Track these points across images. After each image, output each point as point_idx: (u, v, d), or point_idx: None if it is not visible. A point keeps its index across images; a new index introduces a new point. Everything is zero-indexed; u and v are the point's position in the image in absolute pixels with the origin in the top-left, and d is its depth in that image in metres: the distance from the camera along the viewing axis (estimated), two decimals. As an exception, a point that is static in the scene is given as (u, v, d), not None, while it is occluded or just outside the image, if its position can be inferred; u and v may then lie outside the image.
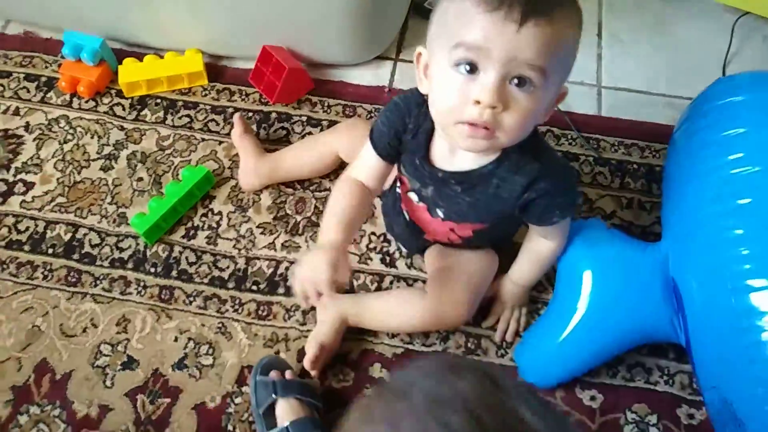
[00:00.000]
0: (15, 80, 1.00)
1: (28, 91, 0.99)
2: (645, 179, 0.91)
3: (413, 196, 0.72)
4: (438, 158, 0.65)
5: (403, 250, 0.85)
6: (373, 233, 0.87)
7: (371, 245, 0.86)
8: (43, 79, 1.01)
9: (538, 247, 0.74)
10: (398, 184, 0.76)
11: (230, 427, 0.75)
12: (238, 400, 0.76)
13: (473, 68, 0.53)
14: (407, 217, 0.78)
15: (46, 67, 1.02)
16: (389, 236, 0.86)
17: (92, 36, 0.96)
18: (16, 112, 0.98)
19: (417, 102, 0.65)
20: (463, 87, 0.54)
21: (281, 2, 0.90)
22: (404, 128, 0.66)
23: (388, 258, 0.85)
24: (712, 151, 0.67)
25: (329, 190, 0.88)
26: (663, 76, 1.03)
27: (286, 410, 0.71)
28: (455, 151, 0.64)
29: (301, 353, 0.78)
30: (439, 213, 0.71)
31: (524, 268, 0.77)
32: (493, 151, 0.62)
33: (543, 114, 0.58)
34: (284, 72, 0.93)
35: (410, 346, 0.79)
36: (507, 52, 0.51)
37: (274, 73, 0.94)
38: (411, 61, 0.99)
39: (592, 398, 0.77)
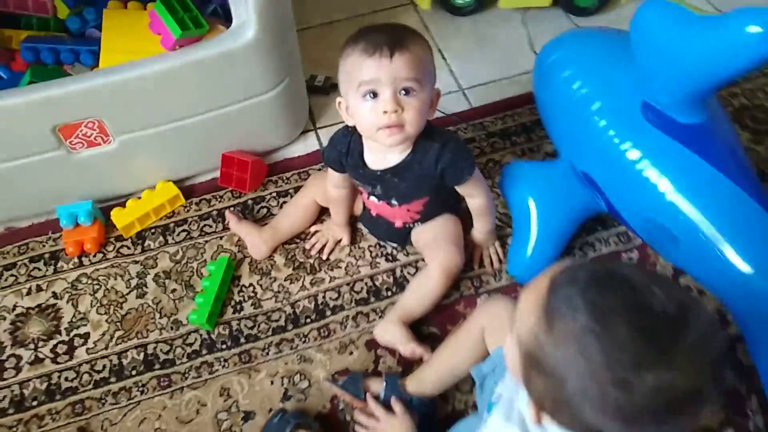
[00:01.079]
0: (22, 266, 1.14)
1: (39, 269, 1.14)
2: (524, 133, 1.28)
3: (373, 198, 1.01)
4: (372, 164, 0.95)
5: (394, 245, 1.12)
6: (370, 245, 1.13)
7: (373, 253, 1.12)
8: (47, 255, 1.15)
9: (474, 203, 1.03)
10: (363, 202, 1.05)
11: (346, 418, 0.95)
12: (341, 403, 0.96)
13: (374, 94, 0.84)
14: (379, 218, 1.06)
15: (44, 245, 1.17)
16: (380, 242, 1.13)
17: (80, 202, 1.14)
18: (39, 289, 1.11)
19: (343, 134, 0.96)
20: (374, 107, 0.84)
21: (226, 123, 1.14)
22: (340, 154, 0.96)
23: (390, 256, 1.12)
24: (562, 87, 1.04)
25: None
26: (497, 66, 1.42)
27: None
28: (383, 155, 0.93)
29: (369, 344, 1.01)
30: (394, 202, 1.00)
31: (478, 221, 1.08)
32: (407, 144, 0.91)
33: (428, 110, 0.88)
34: (248, 165, 1.18)
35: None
36: (390, 76, 0.82)
37: (239, 170, 1.19)
38: (326, 127, 1.30)
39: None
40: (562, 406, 0.53)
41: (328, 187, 1.06)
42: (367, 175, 0.96)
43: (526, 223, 1.05)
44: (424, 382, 0.92)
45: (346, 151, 0.95)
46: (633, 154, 0.95)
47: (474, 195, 1.00)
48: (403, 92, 0.83)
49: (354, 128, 0.92)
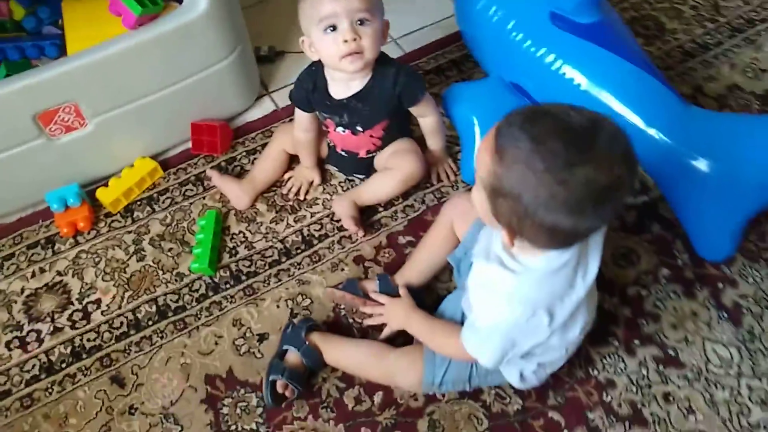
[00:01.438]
0: (21, 254, 1.21)
1: (38, 254, 1.21)
2: (455, 67, 1.44)
3: (339, 129, 1.15)
4: (337, 94, 1.09)
5: (361, 176, 1.26)
6: (340, 181, 1.27)
7: (345, 187, 1.26)
8: (42, 240, 1.23)
9: (426, 124, 1.18)
10: (329, 141, 1.19)
11: (349, 320, 1.08)
12: (342, 310, 1.10)
13: (334, 27, 0.98)
14: (344, 153, 1.20)
15: (37, 233, 1.24)
16: (348, 177, 1.27)
17: (67, 185, 1.22)
18: (42, 270, 1.19)
19: (308, 72, 1.11)
20: (334, 38, 0.99)
21: (190, 93, 1.25)
22: (307, 92, 1.11)
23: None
24: (481, 16, 1.21)
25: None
26: (423, 15, 1.58)
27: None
28: (347, 84, 1.08)
29: (357, 260, 1.15)
30: (359, 128, 1.14)
31: (431, 140, 1.23)
32: (367, 70, 1.06)
33: (381, 38, 1.03)
34: (217, 129, 1.29)
35: (405, 203, 1.20)
36: (345, 9, 0.97)
37: (209, 135, 1.29)
38: (277, 90, 1.42)
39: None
40: (525, 218, 0.68)
41: (296, 132, 1.19)
42: (334, 105, 1.10)
43: (471, 134, 1.20)
44: (410, 276, 1.07)
45: (312, 88, 1.09)
46: (549, 57, 1.13)
47: (426, 114, 1.15)
48: (359, 23, 0.98)
49: (317, 66, 1.05)
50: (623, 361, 1.01)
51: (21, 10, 1.27)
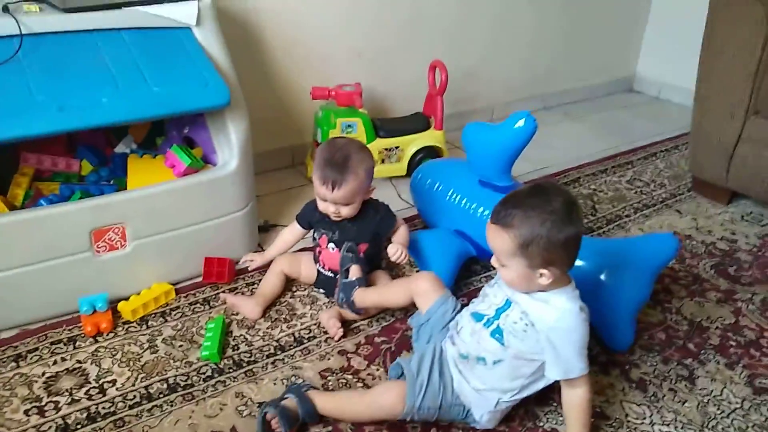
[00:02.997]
0: (44, 348, 1.38)
1: (60, 348, 1.38)
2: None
3: (330, 246, 1.52)
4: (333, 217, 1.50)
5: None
6: (328, 302, 1.56)
7: (330, 305, 1.55)
8: (65, 339, 1.41)
9: (398, 233, 1.56)
10: (320, 263, 1.55)
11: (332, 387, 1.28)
12: (331, 385, 1.30)
13: (325, 199, 1.44)
14: (330, 274, 1.54)
15: (60, 333, 1.42)
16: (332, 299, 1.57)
17: (97, 294, 1.45)
18: (64, 359, 1.35)
19: (311, 208, 1.52)
20: (326, 205, 1.45)
21: (209, 233, 1.60)
22: (311, 216, 1.53)
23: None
24: (428, 190, 1.70)
25: (292, 291, 1.57)
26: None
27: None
28: None
29: (341, 352, 1.39)
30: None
31: (398, 238, 1.57)
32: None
33: (360, 202, 1.48)
34: (227, 261, 1.61)
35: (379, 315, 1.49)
36: (332, 199, 1.44)
37: (219, 266, 1.60)
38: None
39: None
40: (553, 252, 1.05)
41: (286, 232, 1.59)
42: (329, 222, 1.49)
43: (426, 269, 1.59)
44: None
45: (316, 215, 1.51)
46: (480, 209, 1.60)
47: (399, 226, 1.55)
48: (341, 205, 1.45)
49: None
50: (561, 415, 1.25)
51: (89, 167, 1.66)
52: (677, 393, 1.32)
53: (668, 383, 1.34)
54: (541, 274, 1.07)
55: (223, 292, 1.59)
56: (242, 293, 1.59)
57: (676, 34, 3.04)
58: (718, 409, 1.28)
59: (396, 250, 1.47)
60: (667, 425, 1.24)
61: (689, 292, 1.65)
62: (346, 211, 1.45)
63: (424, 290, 1.33)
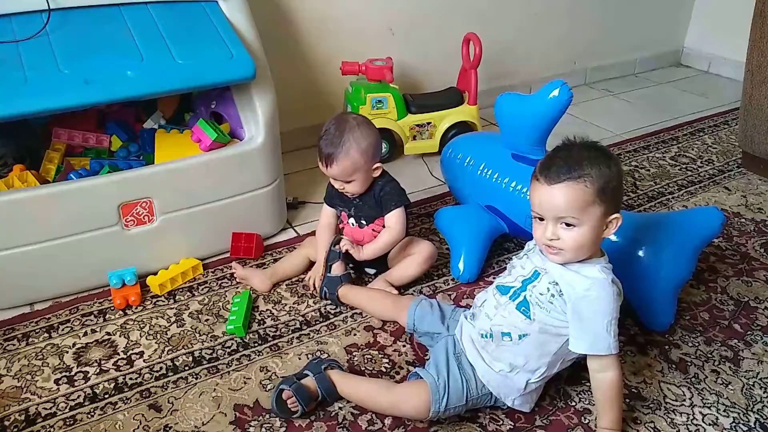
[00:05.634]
0: (76, 320, 1.40)
1: (91, 320, 1.40)
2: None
3: (351, 221, 1.49)
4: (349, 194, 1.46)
5: (372, 271, 1.54)
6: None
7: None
8: (95, 311, 1.43)
9: (384, 235, 1.47)
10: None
11: (362, 369, 1.26)
12: (357, 361, 1.28)
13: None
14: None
15: (91, 306, 1.44)
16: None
17: (125, 269, 1.47)
18: (94, 330, 1.37)
19: (330, 185, 1.48)
20: (333, 183, 1.43)
21: (237, 208, 1.59)
22: (331, 193, 1.49)
23: (369, 277, 1.53)
24: (459, 164, 1.65)
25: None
26: (412, 186, 2.03)
27: None
28: None
29: (367, 328, 1.37)
30: (363, 222, 1.48)
31: (374, 245, 1.48)
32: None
33: (367, 180, 1.42)
34: (254, 236, 1.60)
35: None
36: (331, 175, 1.46)
37: (246, 241, 1.60)
38: (298, 225, 1.78)
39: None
40: (620, 192, 1.05)
41: (322, 218, 1.53)
42: (346, 200, 1.47)
43: (457, 243, 1.55)
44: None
45: (333, 191, 1.48)
46: (512, 184, 1.54)
47: (390, 227, 1.46)
48: (344, 182, 1.41)
49: None
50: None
51: (118, 143, 1.67)
52: (720, 374, 1.25)
53: (711, 364, 1.27)
54: (611, 222, 1.04)
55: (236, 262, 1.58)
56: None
57: (728, 4, 2.87)
58: (765, 392, 1.20)
59: (344, 243, 1.44)
60: (708, 407, 1.17)
61: (736, 271, 1.56)
62: (350, 188, 1.41)
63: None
